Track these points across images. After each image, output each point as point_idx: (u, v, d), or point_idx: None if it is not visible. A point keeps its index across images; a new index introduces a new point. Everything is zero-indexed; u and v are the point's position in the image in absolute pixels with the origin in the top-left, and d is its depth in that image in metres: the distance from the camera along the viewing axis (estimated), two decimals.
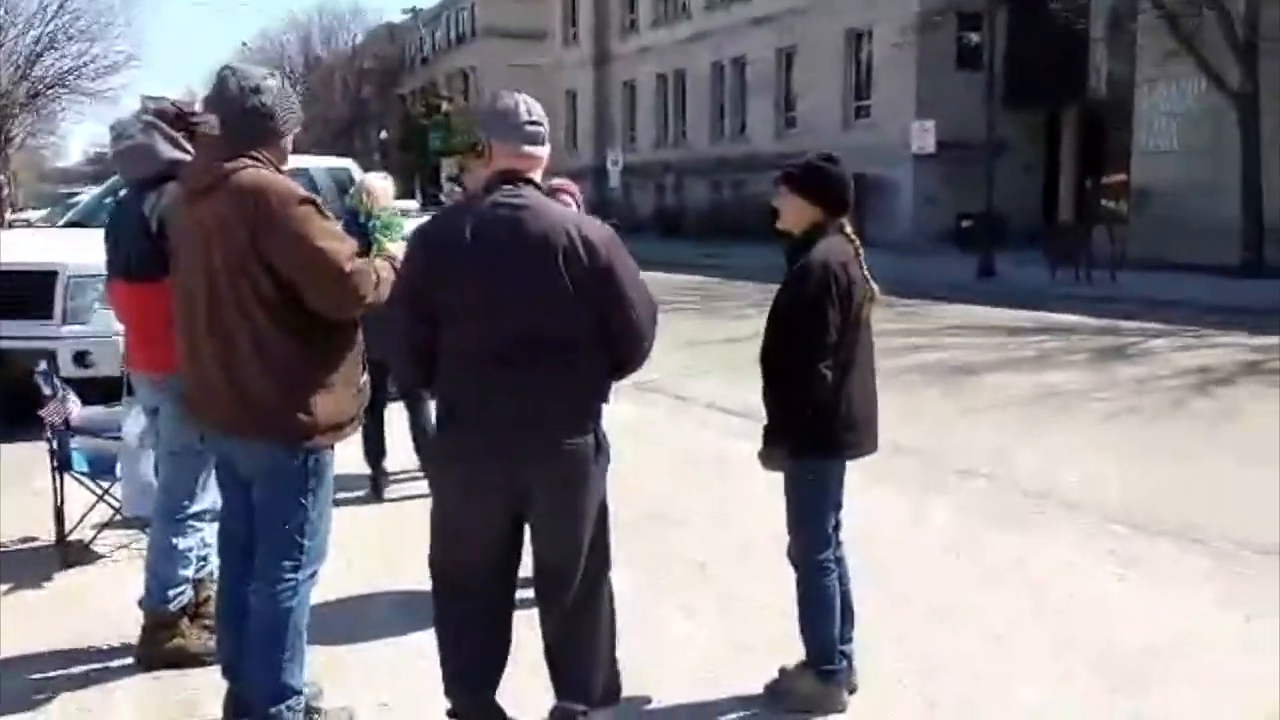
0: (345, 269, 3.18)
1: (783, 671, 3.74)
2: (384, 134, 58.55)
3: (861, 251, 3.57)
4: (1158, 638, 4.25)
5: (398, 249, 3.47)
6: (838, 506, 3.67)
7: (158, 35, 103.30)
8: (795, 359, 3.39)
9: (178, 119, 3.97)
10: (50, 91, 34.93)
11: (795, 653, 3.71)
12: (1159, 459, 7.19)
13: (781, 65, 35.13)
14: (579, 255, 2.88)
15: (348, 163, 11.57)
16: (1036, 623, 4.42)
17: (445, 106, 53.09)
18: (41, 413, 5.05)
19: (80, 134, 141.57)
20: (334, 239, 3.22)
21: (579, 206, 4.47)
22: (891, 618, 4.31)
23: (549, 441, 2.95)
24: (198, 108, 3.97)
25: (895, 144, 27.62)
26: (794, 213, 3.58)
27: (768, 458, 3.52)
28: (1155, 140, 22.90)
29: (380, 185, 6.01)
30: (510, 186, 2.97)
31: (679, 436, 7.99)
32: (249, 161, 3.22)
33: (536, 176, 3.05)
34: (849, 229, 3.59)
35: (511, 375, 2.90)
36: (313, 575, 3.38)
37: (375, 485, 6.31)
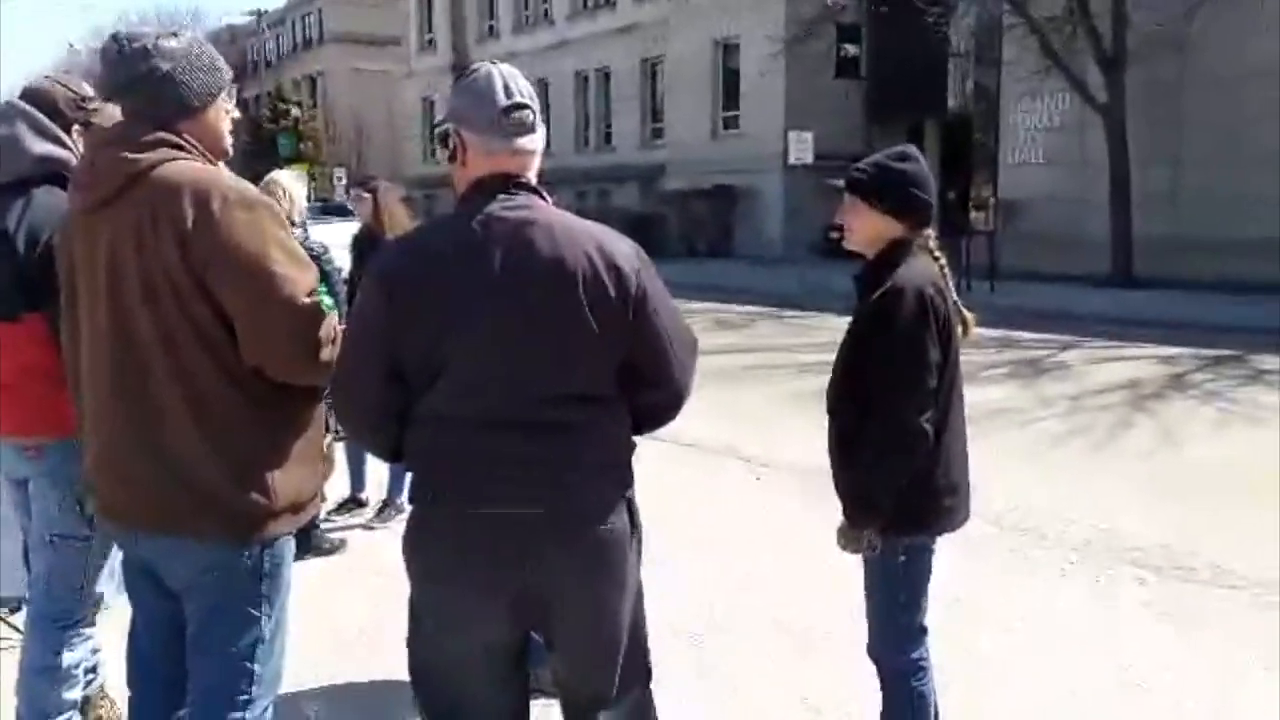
0: (300, 303, 2.32)
1: None
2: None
3: (948, 272, 2.88)
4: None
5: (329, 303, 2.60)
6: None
7: None
8: (892, 413, 2.65)
9: (64, 106, 3.04)
10: None
11: None
12: (1137, 488, 6.66)
13: (647, 75, 34.69)
14: (604, 282, 2.16)
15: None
16: (1100, 690, 3.85)
17: (294, 112, 51.10)
18: None
19: None
20: (292, 263, 2.34)
21: None
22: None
23: (573, 528, 2.21)
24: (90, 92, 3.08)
25: (764, 154, 27.45)
26: (866, 228, 2.82)
27: (854, 539, 2.76)
28: (1022, 153, 23.21)
29: (294, 186, 5.07)
30: (504, 196, 2.21)
31: (654, 478, 6.99)
32: (173, 151, 2.33)
33: (532, 176, 2.28)
34: (933, 243, 2.85)
35: (519, 444, 2.16)
36: (266, 709, 2.53)
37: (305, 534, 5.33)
